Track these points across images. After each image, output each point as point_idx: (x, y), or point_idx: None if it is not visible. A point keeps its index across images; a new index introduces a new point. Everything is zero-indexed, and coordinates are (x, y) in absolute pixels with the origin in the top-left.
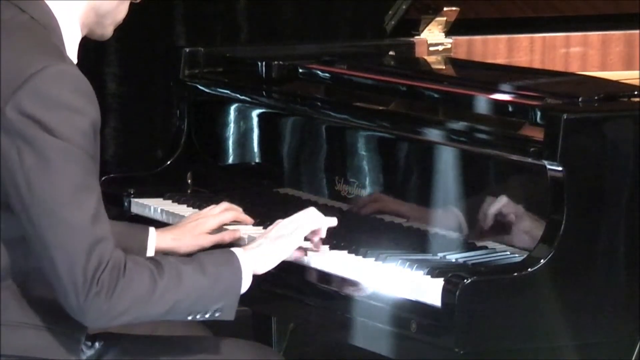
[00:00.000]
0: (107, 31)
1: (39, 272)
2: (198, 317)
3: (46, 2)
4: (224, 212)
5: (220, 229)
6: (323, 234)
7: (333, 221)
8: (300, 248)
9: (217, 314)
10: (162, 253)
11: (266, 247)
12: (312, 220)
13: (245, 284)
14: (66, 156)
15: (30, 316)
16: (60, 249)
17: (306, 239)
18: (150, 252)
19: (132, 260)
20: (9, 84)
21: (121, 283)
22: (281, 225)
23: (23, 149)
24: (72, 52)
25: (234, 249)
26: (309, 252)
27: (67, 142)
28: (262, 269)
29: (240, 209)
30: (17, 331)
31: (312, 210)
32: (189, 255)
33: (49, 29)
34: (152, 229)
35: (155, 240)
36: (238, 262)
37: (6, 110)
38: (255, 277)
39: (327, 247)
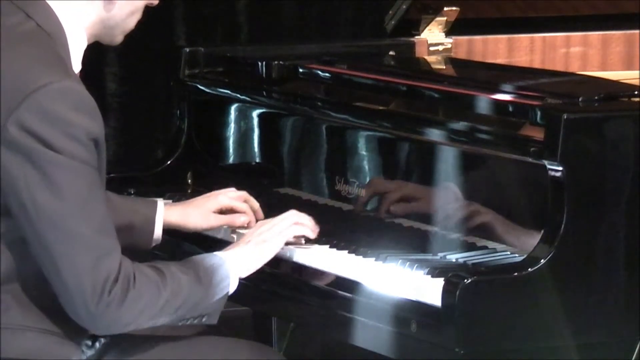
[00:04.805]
0: (117, 40)
1: (39, 276)
2: (188, 322)
3: (54, 9)
4: (239, 195)
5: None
6: (310, 235)
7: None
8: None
9: (204, 319)
10: (169, 228)
11: (250, 252)
12: (294, 227)
13: (232, 289)
14: (69, 171)
15: (31, 319)
16: (68, 262)
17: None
18: (158, 227)
19: (139, 270)
20: (11, 98)
21: (131, 294)
22: (264, 229)
23: (26, 165)
24: (77, 59)
25: (220, 255)
26: (310, 252)
27: (69, 157)
28: (245, 273)
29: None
30: (17, 334)
31: (292, 213)
32: (196, 233)
33: (54, 38)
34: (160, 203)
35: (163, 214)
36: (227, 269)
37: (7, 125)
38: (256, 278)
39: (327, 246)
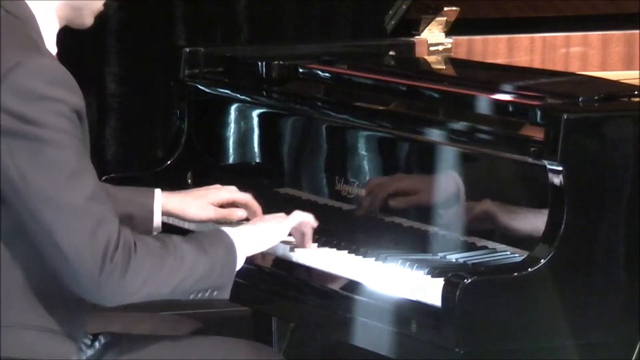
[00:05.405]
0: (87, 21)
1: (38, 272)
2: (199, 295)
3: None
4: (239, 192)
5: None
6: (309, 232)
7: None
8: (287, 242)
9: (215, 293)
10: (167, 215)
11: (255, 232)
12: (299, 214)
13: (239, 264)
14: (55, 143)
15: (30, 317)
16: (65, 235)
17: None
18: (157, 215)
19: (140, 239)
20: None
21: (133, 262)
22: (269, 216)
23: (12, 145)
24: (50, 43)
25: (225, 229)
26: (310, 252)
27: (53, 130)
28: (251, 252)
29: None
30: (16, 333)
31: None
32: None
33: (25, 22)
34: (157, 191)
35: (163, 201)
36: (232, 242)
37: None
38: (256, 277)
39: (327, 246)
